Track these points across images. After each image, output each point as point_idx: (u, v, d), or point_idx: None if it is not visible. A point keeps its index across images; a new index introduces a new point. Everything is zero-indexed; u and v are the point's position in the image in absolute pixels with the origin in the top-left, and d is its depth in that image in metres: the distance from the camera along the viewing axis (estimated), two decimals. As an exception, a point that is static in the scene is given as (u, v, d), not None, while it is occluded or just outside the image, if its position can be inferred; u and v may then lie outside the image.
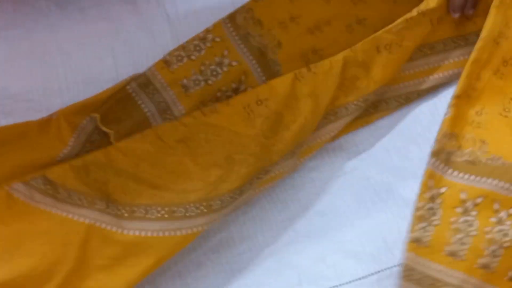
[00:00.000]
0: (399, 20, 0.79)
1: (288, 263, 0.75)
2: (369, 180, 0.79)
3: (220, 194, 0.72)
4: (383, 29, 0.79)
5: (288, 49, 0.84)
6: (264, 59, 0.83)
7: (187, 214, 0.71)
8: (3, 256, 0.66)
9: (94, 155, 0.73)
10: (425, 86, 0.84)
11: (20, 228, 0.67)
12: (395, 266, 0.74)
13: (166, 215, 0.71)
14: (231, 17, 0.83)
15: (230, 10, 0.84)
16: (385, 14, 0.85)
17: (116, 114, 0.78)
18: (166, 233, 0.70)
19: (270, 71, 0.83)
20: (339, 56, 0.79)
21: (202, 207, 0.72)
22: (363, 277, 0.74)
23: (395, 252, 0.74)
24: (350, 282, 0.74)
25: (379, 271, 0.74)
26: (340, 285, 0.74)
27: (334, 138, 0.81)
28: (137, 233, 0.70)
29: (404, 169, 0.80)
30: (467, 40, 0.84)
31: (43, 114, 0.79)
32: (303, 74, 0.79)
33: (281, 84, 0.78)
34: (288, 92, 0.78)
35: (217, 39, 0.82)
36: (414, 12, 0.79)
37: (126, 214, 0.71)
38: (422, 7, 0.80)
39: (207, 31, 0.82)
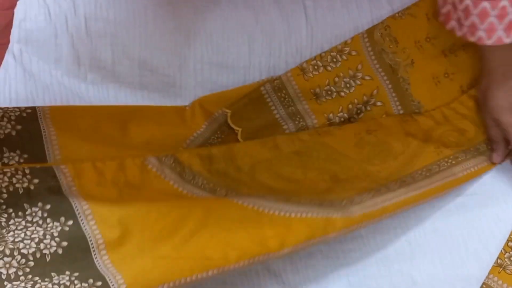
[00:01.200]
0: None
1: (398, 271, 0.78)
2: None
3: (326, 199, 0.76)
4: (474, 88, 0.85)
5: (420, 69, 0.85)
6: (395, 76, 0.85)
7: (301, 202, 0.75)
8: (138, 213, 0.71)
9: (219, 148, 0.78)
10: None
11: (151, 195, 0.72)
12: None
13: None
14: (369, 32, 0.85)
15: (366, 19, 0.86)
16: None
17: (247, 113, 0.83)
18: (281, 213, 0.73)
19: (400, 88, 0.85)
20: (438, 111, 0.84)
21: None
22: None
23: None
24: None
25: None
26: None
27: None
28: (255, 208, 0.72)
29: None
30: None
31: (176, 90, 0.84)
32: (408, 118, 0.84)
33: (388, 120, 0.83)
34: (397, 126, 0.82)
35: (353, 53, 0.85)
36: None
37: (245, 204, 0.74)
38: None
39: (346, 43, 0.85)
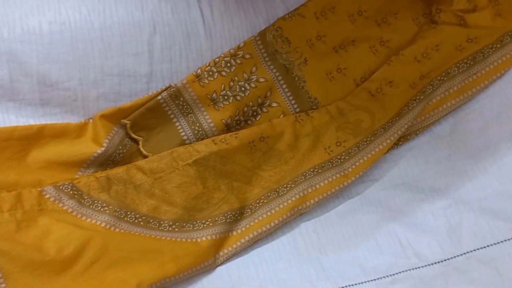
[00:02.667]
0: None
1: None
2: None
3: (223, 212, 0.83)
4: (367, 81, 0.88)
5: (313, 66, 0.88)
6: (289, 76, 0.88)
7: (195, 228, 0.82)
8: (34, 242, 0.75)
9: (117, 171, 0.82)
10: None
11: (47, 223, 0.76)
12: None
13: (176, 229, 0.81)
14: (261, 35, 0.87)
15: (263, 18, 0.88)
16: (408, 36, 0.90)
17: (147, 122, 0.85)
18: (178, 239, 0.81)
19: (295, 87, 0.88)
20: (333, 105, 0.87)
21: (207, 223, 0.82)
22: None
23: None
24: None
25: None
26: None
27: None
28: (153, 235, 0.80)
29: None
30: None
31: (79, 104, 0.85)
32: (303, 117, 0.87)
33: (281, 123, 0.86)
34: (288, 131, 0.86)
35: (247, 56, 0.87)
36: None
37: (142, 223, 0.80)
38: None
39: (239, 47, 0.87)
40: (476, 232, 0.79)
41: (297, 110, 0.89)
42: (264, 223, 0.83)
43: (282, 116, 0.89)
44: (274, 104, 0.89)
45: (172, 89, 0.86)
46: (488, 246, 0.78)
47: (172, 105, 0.87)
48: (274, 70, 0.88)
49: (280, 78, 0.88)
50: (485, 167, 0.83)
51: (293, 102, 0.89)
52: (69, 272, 0.73)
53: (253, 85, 0.88)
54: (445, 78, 0.88)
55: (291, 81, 0.88)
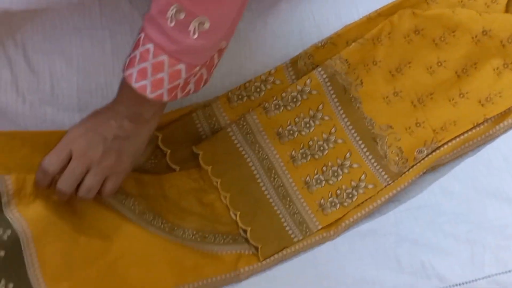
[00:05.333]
0: None
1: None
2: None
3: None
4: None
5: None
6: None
7: (215, 242, 0.83)
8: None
9: (150, 177, 0.85)
10: None
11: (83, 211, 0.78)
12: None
13: (198, 239, 0.83)
14: (293, 62, 0.91)
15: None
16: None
17: (177, 137, 0.88)
18: (200, 249, 0.82)
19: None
20: None
21: (228, 239, 0.85)
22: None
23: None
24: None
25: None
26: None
27: None
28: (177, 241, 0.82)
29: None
30: None
31: None
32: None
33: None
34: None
35: (277, 82, 0.91)
36: None
37: (167, 229, 0.82)
38: None
39: (269, 73, 0.90)
40: (498, 257, 0.79)
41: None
42: None
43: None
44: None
45: (207, 108, 0.89)
46: (509, 271, 0.78)
47: (205, 123, 0.90)
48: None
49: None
50: (508, 196, 0.84)
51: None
52: (97, 263, 0.74)
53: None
54: None
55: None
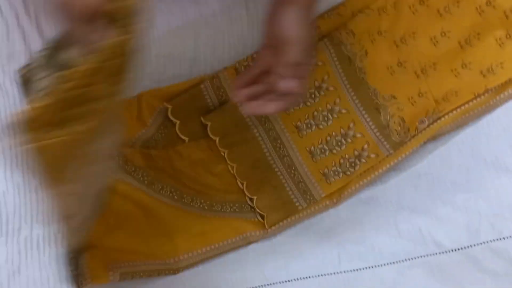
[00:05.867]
0: None
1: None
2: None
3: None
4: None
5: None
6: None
7: (222, 210, 0.87)
8: None
9: (157, 152, 0.88)
10: None
11: None
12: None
13: (206, 207, 0.87)
14: None
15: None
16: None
17: (186, 108, 0.90)
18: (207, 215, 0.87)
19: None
20: None
21: (234, 207, 0.88)
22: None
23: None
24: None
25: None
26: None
27: None
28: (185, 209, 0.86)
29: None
30: None
31: None
32: None
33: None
34: None
35: None
36: None
37: (176, 197, 0.86)
38: None
39: None
40: (493, 225, 0.82)
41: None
42: None
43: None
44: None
45: (215, 80, 0.91)
46: (504, 238, 0.81)
47: (212, 94, 0.91)
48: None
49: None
50: (506, 166, 0.86)
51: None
52: (121, 230, 0.80)
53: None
54: None
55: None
